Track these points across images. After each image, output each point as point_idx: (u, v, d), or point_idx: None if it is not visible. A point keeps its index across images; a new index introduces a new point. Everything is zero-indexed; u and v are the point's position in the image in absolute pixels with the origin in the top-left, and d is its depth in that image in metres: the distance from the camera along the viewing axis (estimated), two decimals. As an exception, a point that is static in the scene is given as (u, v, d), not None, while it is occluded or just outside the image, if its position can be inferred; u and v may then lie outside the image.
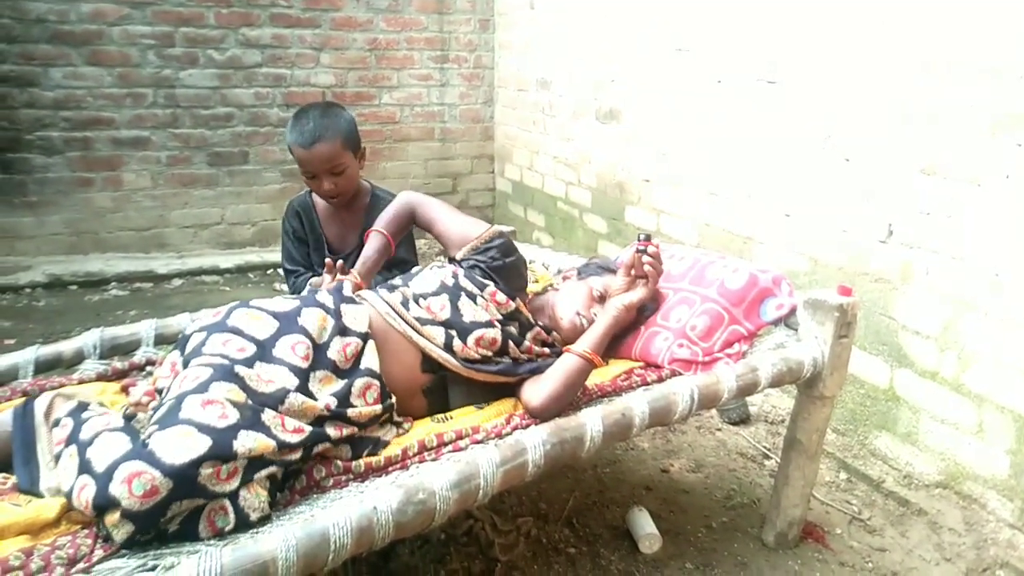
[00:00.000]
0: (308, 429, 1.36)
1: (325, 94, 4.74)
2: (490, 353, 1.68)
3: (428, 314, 1.69)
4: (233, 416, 1.26)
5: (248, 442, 1.24)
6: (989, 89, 2.10)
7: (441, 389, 1.69)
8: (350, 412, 1.45)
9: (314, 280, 2.21)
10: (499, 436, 1.54)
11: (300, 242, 2.38)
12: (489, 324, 1.70)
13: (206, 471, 1.18)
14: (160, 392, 1.43)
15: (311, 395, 1.43)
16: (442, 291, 1.73)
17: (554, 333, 1.86)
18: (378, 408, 1.51)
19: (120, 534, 1.15)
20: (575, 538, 2.12)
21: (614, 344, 1.90)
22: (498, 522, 2.08)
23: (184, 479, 1.16)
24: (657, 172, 3.60)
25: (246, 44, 4.49)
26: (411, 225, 2.05)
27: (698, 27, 3.23)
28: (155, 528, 1.17)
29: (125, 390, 1.66)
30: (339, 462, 1.42)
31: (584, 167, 4.25)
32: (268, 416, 1.31)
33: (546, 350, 1.80)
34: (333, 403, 1.44)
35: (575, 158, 4.33)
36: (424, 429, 1.58)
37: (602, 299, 1.89)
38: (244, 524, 1.23)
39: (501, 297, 1.76)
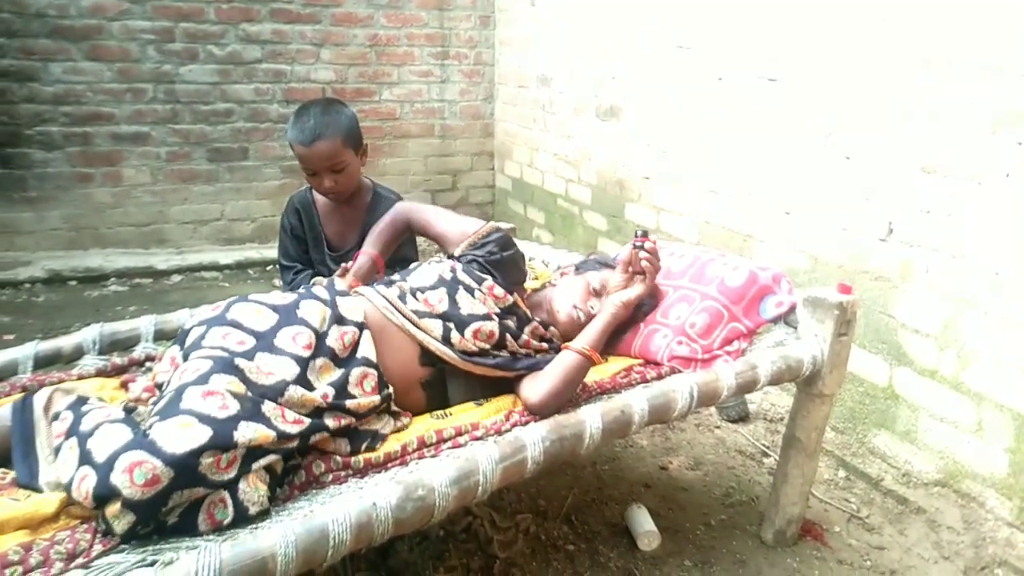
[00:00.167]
0: (307, 421, 1.37)
1: (325, 90, 4.73)
2: (488, 346, 1.69)
3: (426, 307, 1.69)
4: (233, 407, 1.27)
5: (248, 432, 1.24)
6: (990, 87, 2.10)
7: (440, 383, 1.69)
8: (348, 404, 1.46)
9: (318, 280, 2.22)
10: (498, 433, 1.54)
11: (297, 239, 2.38)
12: (487, 317, 1.70)
13: (206, 460, 1.18)
14: (160, 387, 1.43)
15: (309, 385, 1.44)
16: (440, 285, 1.74)
17: (552, 328, 1.86)
18: (376, 399, 1.52)
19: (121, 525, 1.15)
20: (574, 535, 2.12)
21: (613, 341, 1.91)
22: (497, 519, 2.08)
23: (185, 468, 1.16)
24: (657, 169, 3.60)
25: (246, 40, 4.48)
26: (406, 234, 2.07)
27: (699, 24, 3.22)
28: (155, 519, 1.17)
29: (124, 386, 1.65)
30: (338, 458, 1.42)
31: (584, 164, 4.25)
32: (268, 408, 1.32)
33: (544, 345, 1.80)
34: (331, 393, 1.45)
35: (575, 155, 4.33)
36: (423, 425, 1.58)
37: (599, 293, 1.90)
38: (243, 518, 1.23)
39: (499, 291, 1.77)
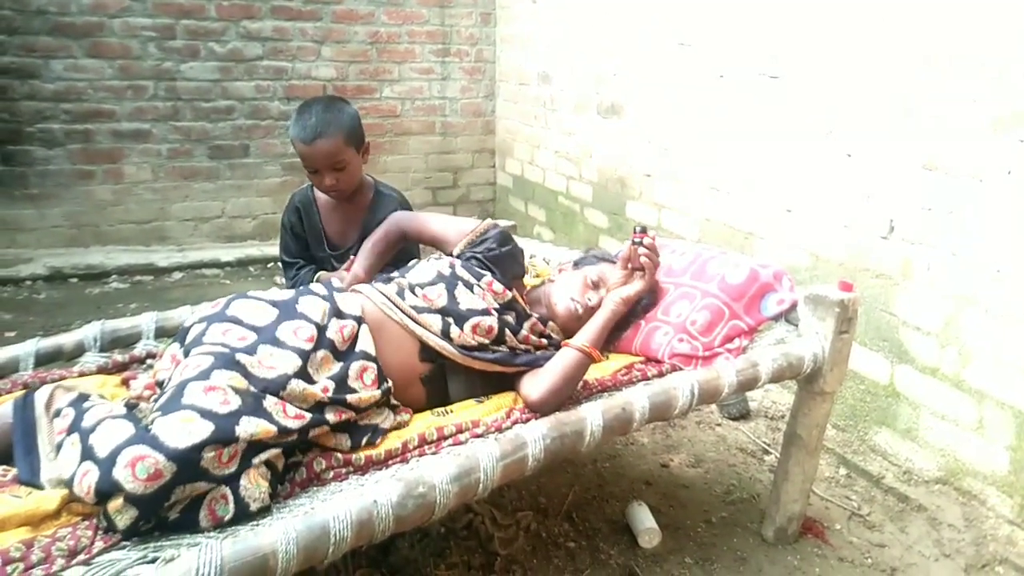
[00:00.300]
0: (308, 416, 1.38)
1: (326, 87, 4.73)
2: (487, 341, 1.69)
3: (424, 302, 1.70)
4: (235, 402, 1.27)
5: (250, 427, 1.25)
6: (991, 84, 2.09)
7: (440, 378, 1.70)
8: (349, 398, 1.47)
9: (324, 276, 2.22)
10: (499, 430, 1.54)
11: (297, 237, 2.38)
12: (486, 312, 1.71)
13: (208, 455, 1.19)
14: (160, 385, 1.44)
15: (310, 379, 1.44)
16: (439, 281, 1.75)
17: (551, 324, 1.86)
18: (376, 392, 1.52)
19: (123, 520, 1.15)
20: (575, 532, 2.12)
21: (614, 338, 1.91)
22: (498, 516, 2.08)
23: (187, 463, 1.17)
24: (658, 167, 3.59)
25: (247, 37, 4.48)
26: (400, 245, 2.07)
27: (700, 21, 3.22)
28: (157, 515, 1.18)
29: (126, 383, 1.66)
30: (339, 455, 1.43)
31: (585, 162, 4.24)
32: (270, 402, 1.33)
33: (543, 342, 1.80)
34: (331, 387, 1.46)
35: (576, 152, 4.32)
36: (424, 423, 1.58)
37: (597, 285, 1.90)
38: (244, 514, 1.23)
39: (498, 286, 1.77)
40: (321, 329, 1.55)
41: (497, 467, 1.40)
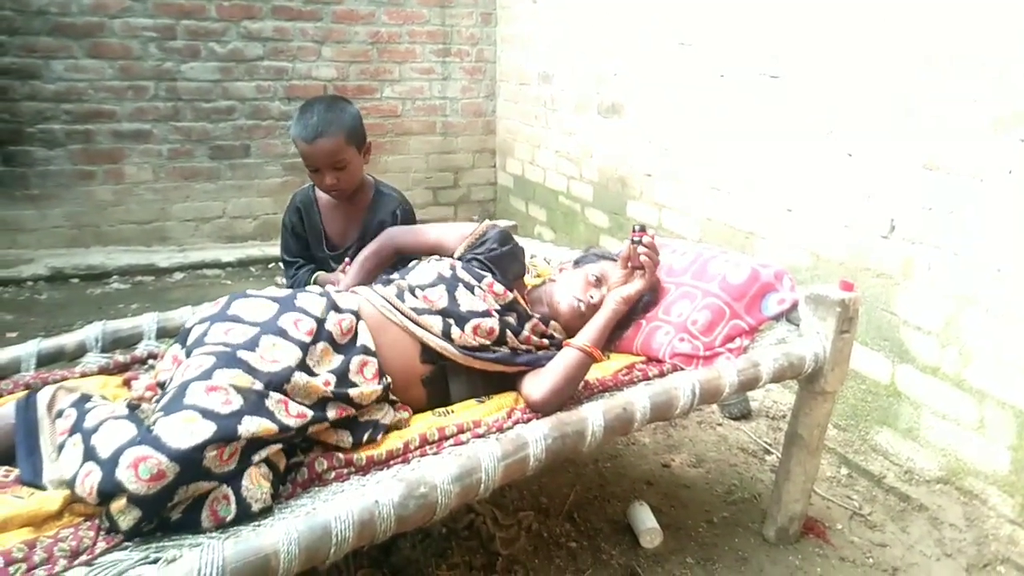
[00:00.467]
0: (310, 414, 1.38)
1: (327, 87, 4.73)
2: (488, 342, 1.69)
3: (425, 304, 1.70)
4: (237, 402, 1.27)
5: (252, 427, 1.25)
6: (992, 84, 2.09)
7: (441, 380, 1.70)
8: (351, 392, 1.47)
9: (324, 276, 2.23)
10: (500, 430, 1.54)
11: (297, 237, 2.38)
12: (487, 314, 1.70)
13: (210, 454, 1.19)
14: (162, 385, 1.44)
15: (310, 371, 1.45)
16: (439, 282, 1.74)
17: (552, 323, 1.87)
18: (378, 387, 1.53)
19: (127, 521, 1.16)
20: (576, 532, 2.12)
21: (615, 338, 1.91)
22: (499, 516, 2.08)
23: (190, 463, 1.17)
24: (659, 167, 3.59)
25: (248, 37, 4.48)
26: (392, 260, 2.05)
27: (700, 21, 3.22)
28: (160, 515, 1.18)
29: (127, 383, 1.66)
30: (341, 455, 1.42)
31: (586, 161, 4.24)
32: (272, 401, 1.33)
33: (545, 342, 1.80)
34: (332, 380, 1.46)
35: (577, 152, 4.32)
36: (425, 423, 1.58)
37: (599, 283, 1.90)
38: (246, 515, 1.23)
39: (499, 288, 1.77)
40: (320, 322, 1.55)
41: (498, 467, 1.40)
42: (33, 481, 1.31)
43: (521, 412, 1.61)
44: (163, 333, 1.94)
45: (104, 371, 1.78)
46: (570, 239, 4.42)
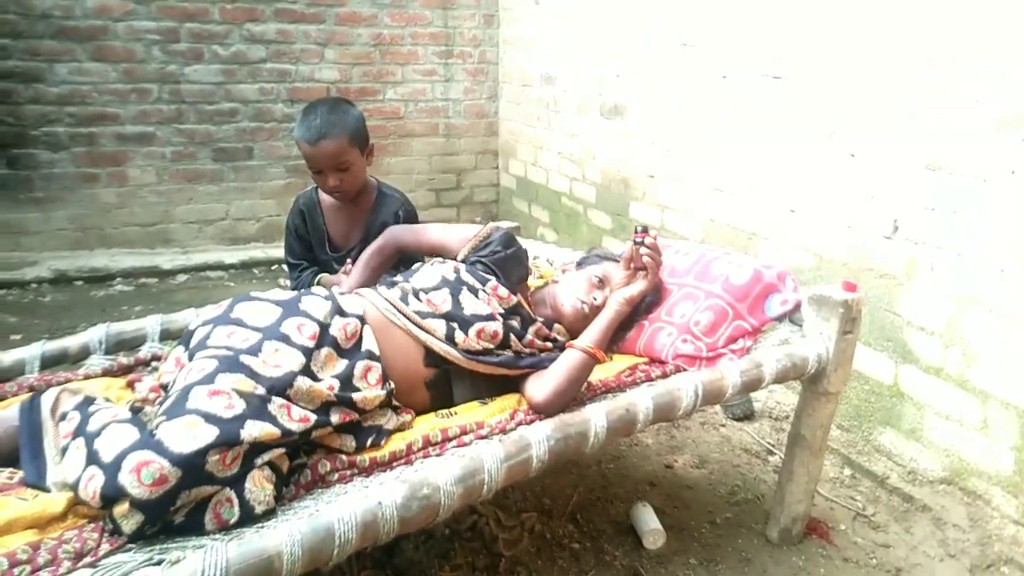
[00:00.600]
0: (313, 419, 1.37)
1: (329, 90, 4.73)
2: (492, 346, 1.69)
3: (429, 307, 1.69)
4: (239, 406, 1.27)
5: (255, 431, 1.25)
6: (994, 86, 2.09)
7: (444, 383, 1.69)
8: (354, 396, 1.46)
9: (327, 278, 2.23)
10: (503, 431, 1.54)
11: (301, 239, 2.39)
12: (490, 317, 1.70)
13: (213, 458, 1.19)
14: (165, 388, 1.44)
15: (314, 376, 1.44)
16: (443, 285, 1.74)
17: (556, 326, 1.87)
18: (381, 393, 1.52)
19: (129, 525, 1.16)
20: (579, 533, 2.12)
21: (617, 339, 1.91)
22: (502, 517, 2.09)
23: (192, 467, 1.17)
24: (661, 168, 3.59)
25: (251, 40, 4.49)
26: (395, 259, 2.07)
27: (703, 22, 3.22)
28: (164, 519, 1.18)
29: (131, 385, 1.66)
30: (344, 457, 1.43)
31: (588, 163, 4.25)
32: (275, 405, 1.33)
33: (548, 344, 1.80)
34: (336, 385, 1.45)
35: (579, 154, 4.32)
36: (428, 424, 1.58)
37: (602, 284, 1.90)
38: (249, 517, 1.24)
39: (503, 291, 1.77)
40: (324, 327, 1.55)
41: (501, 468, 1.40)
42: (37, 483, 1.31)
43: (524, 413, 1.61)
44: (166, 335, 1.94)
45: (108, 373, 1.79)
46: (573, 240, 4.42)
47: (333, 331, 1.55)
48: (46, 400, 1.43)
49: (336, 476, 1.39)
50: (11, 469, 1.38)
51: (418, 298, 1.72)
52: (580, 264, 2.07)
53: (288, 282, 2.54)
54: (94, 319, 3.32)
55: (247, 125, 4.62)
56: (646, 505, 2.15)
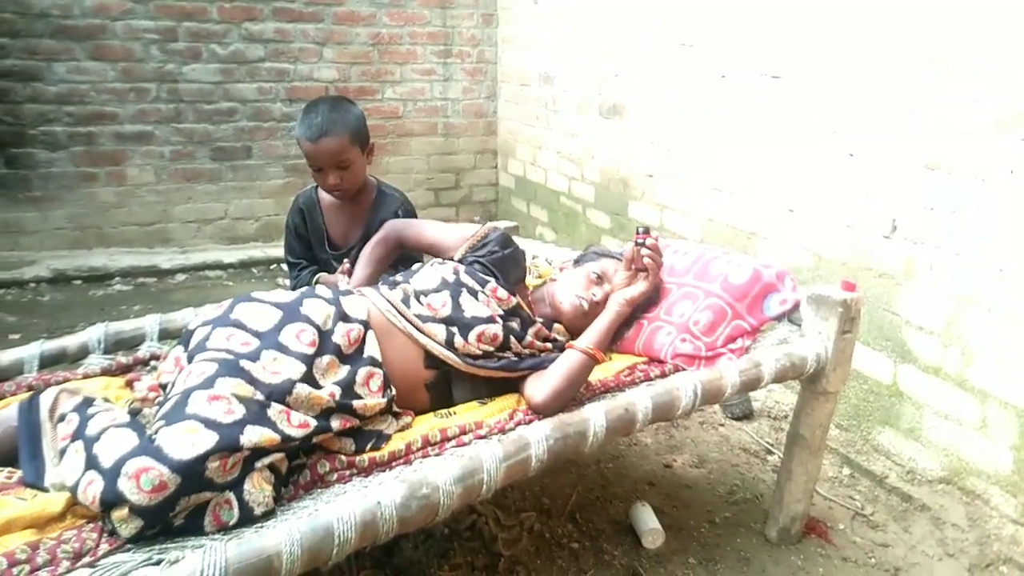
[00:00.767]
0: (313, 424, 1.37)
1: (328, 89, 4.73)
2: (491, 349, 1.68)
3: (429, 311, 1.69)
4: (239, 411, 1.27)
5: (254, 437, 1.24)
6: (993, 85, 2.09)
7: (444, 384, 1.69)
8: (355, 404, 1.46)
9: (325, 278, 2.23)
10: (502, 431, 1.55)
11: (300, 238, 2.39)
12: (490, 320, 1.70)
13: (212, 465, 1.19)
14: (164, 387, 1.44)
15: (316, 383, 1.44)
16: (443, 288, 1.73)
17: (556, 326, 1.86)
18: (382, 400, 1.52)
19: (128, 529, 1.16)
20: (578, 533, 2.12)
21: (616, 338, 1.91)
22: (501, 517, 2.09)
23: (191, 474, 1.17)
24: (660, 167, 3.59)
25: (249, 39, 4.49)
26: (398, 251, 2.08)
27: (702, 22, 3.22)
28: (163, 523, 1.17)
29: (130, 384, 1.66)
30: (343, 457, 1.42)
31: (587, 162, 4.24)
32: (274, 411, 1.32)
33: (548, 345, 1.80)
34: (337, 392, 1.45)
35: (578, 153, 4.32)
36: (427, 424, 1.58)
37: (600, 280, 1.90)
38: (248, 519, 1.23)
39: (502, 293, 1.76)
40: (325, 333, 1.54)
41: (501, 468, 1.40)
42: (36, 484, 1.31)
43: (523, 413, 1.61)
44: (165, 335, 1.94)
45: (106, 372, 1.79)
46: (571, 240, 4.42)
47: (336, 338, 1.54)
48: (45, 400, 1.43)
49: (335, 476, 1.39)
50: (10, 469, 1.38)
51: (419, 301, 1.72)
52: (578, 262, 2.07)
53: (287, 281, 2.54)
54: (93, 318, 3.31)
55: (245, 124, 4.62)
56: (645, 505, 2.15)
